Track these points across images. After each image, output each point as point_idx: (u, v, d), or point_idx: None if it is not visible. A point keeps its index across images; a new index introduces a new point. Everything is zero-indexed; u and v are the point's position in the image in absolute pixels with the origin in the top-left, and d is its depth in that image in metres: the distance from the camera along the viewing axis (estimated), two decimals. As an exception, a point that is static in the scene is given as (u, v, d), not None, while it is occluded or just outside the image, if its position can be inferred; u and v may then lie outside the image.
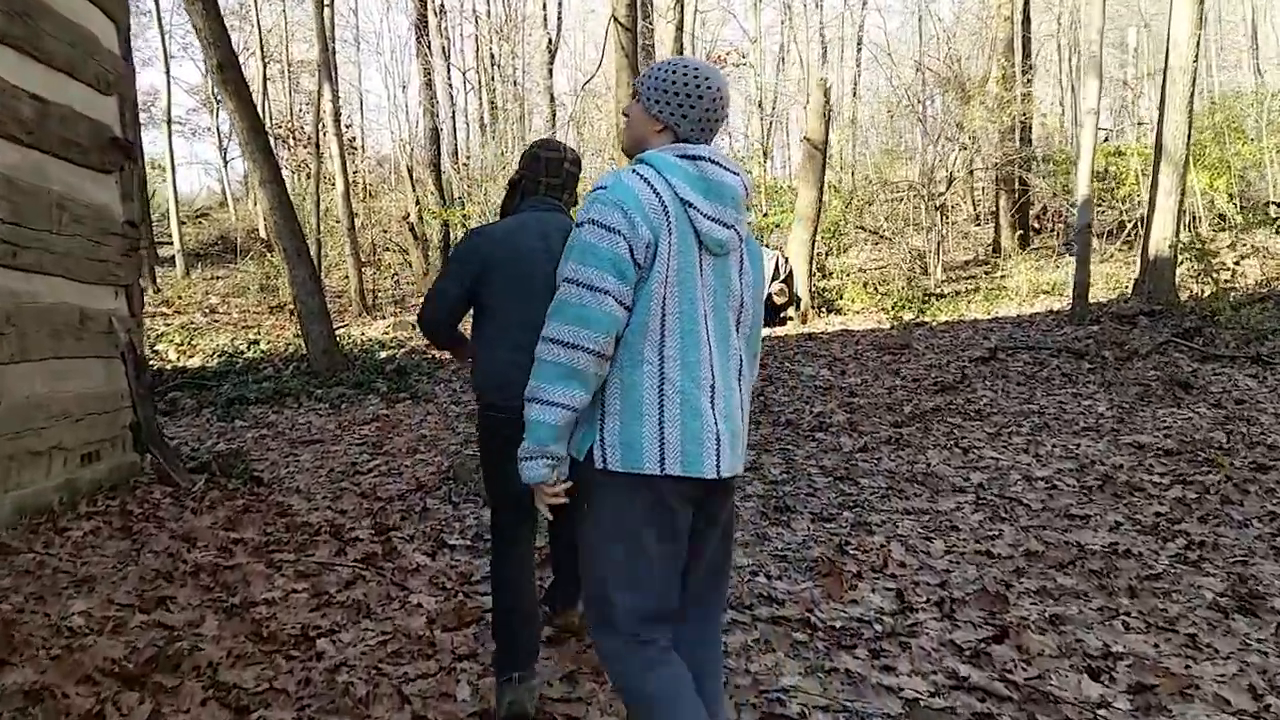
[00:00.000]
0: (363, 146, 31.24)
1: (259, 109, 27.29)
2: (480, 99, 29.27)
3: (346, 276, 16.19)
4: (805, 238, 11.60)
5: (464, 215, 17.83)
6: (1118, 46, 26.17)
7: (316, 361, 9.34)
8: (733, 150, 26.90)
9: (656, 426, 1.81)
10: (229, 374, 9.67)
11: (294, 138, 20.10)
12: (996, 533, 4.09)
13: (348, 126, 19.10)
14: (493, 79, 29.45)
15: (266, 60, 27.77)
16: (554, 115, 25.23)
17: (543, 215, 2.76)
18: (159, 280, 16.97)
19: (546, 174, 2.82)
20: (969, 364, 8.32)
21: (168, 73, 18.81)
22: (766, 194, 22.45)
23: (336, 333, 12.41)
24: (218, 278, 18.55)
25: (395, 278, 19.31)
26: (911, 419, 6.34)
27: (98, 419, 4.69)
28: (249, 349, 10.54)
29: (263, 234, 23.86)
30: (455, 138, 25.67)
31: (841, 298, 12.58)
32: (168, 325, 12.57)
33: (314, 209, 17.11)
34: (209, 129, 30.55)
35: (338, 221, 16.77)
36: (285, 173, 27.21)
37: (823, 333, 10.97)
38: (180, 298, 15.75)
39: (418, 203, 17.45)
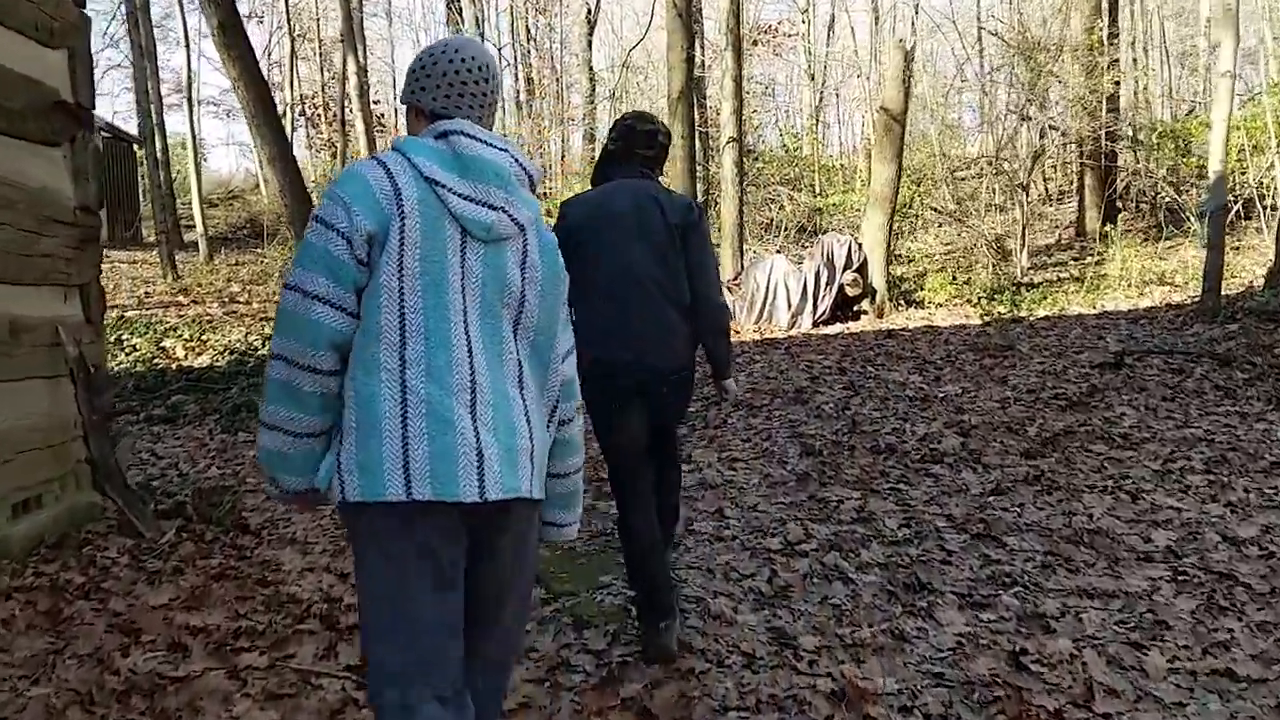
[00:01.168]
0: (395, 125, 30.49)
1: (289, 88, 26.67)
2: (515, 76, 28.33)
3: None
4: (881, 220, 10.42)
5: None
6: (1176, 18, 24.46)
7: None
8: (785, 125, 25.66)
9: (399, 444, 1.57)
10: (239, 375, 8.78)
11: (320, 114, 19.24)
12: (1226, 634, 3.00)
13: (376, 103, 18.20)
14: (528, 54, 28.47)
15: (295, 38, 27.04)
16: (593, 90, 24.19)
17: (636, 182, 2.93)
18: (179, 267, 16.25)
19: (642, 145, 2.97)
20: (1092, 371, 7.15)
21: (186, 45, 18.01)
22: (821, 172, 21.22)
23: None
24: (241, 264, 17.78)
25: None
26: (1044, 446, 5.23)
27: (36, 456, 3.77)
28: (263, 346, 9.67)
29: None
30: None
31: (921, 288, 11.39)
32: (180, 317, 11.77)
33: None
34: (242, 109, 29.82)
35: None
36: (312, 153, 26.63)
37: (903, 329, 9.82)
38: (199, 285, 14.98)
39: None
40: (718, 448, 5.78)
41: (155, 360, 9.18)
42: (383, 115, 20.74)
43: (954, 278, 12.06)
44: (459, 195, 1.65)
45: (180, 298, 13.65)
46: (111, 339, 9.56)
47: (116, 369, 8.87)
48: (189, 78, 18.88)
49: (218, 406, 7.85)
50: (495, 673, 1.81)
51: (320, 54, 28.91)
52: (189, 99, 18.80)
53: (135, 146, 19.58)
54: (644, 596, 2.86)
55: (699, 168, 16.73)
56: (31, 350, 3.74)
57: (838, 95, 32.73)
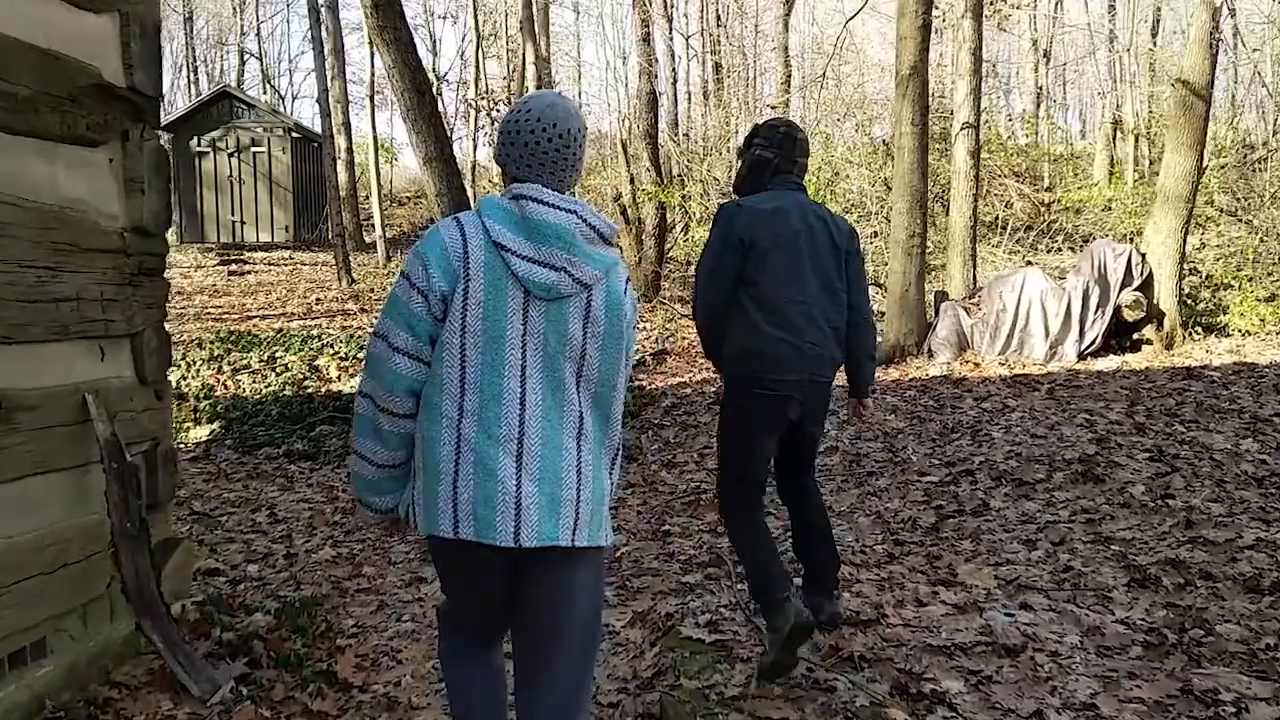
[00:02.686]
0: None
1: (473, 85, 26.62)
2: (703, 65, 27.08)
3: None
4: (1173, 225, 8.24)
5: (683, 194, 15.60)
6: None
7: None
8: (1005, 110, 22.99)
9: (451, 487, 1.79)
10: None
11: (492, 103, 18.68)
12: None
13: (558, 89, 17.39)
14: (717, 41, 27.13)
15: (482, 35, 26.97)
16: (788, 78, 22.51)
17: (799, 197, 3.01)
18: (356, 270, 16.04)
19: (802, 154, 3.04)
20: None
21: (370, 40, 17.87)
22: (1057, 164, 18.63)
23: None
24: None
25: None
26: None
27: (44, 585, 2.72)
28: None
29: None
30: (675, 107, 23.61)
31: (1221, 309, 9.09)
32: (344, 329, 11.22)
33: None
34: (396, 101, 30.22)
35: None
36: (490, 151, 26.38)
37: (1205, 367, 7.68)
38: (371, 290, 14.63)
39: (631, 181, 15.42)
40: (986, 555, 4.16)
41: (305, 382, 8.48)
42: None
43: (1272, 296, 9.59)
44: (522, 257, 1.82)
45: (350, 304, 13.25)
46: (265, 357, 8.99)
47: (264, 392, 8.23)
48: (372, 74, 18.79)
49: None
50: (560, 711, 1.93)
51: (508, 50, 28.79)
52: (370, 95, 18.71)
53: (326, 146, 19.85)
54: (763, 579, 2.95)
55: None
56: (37, 435, 2.70)
57: (1064, 75, 29.38)
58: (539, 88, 13.33)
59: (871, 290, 6.28)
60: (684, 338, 10.93)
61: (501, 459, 1.78)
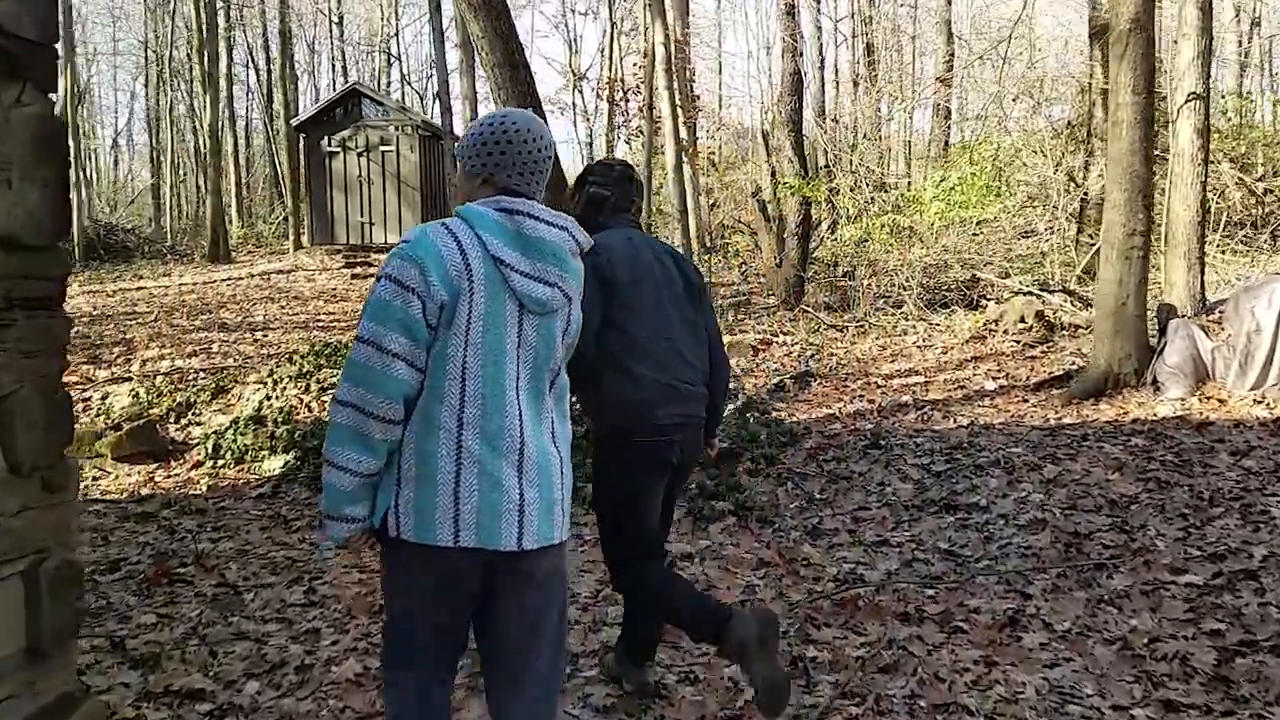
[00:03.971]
0: (719, 116, 28.70)
1: (609, 73, 25.71)
2: (852, 50, 25.28)
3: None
4: None
5: (830, 188, 14.05)
6: None
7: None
8: (1215, 79, 20.15)
9: (451, 497, 1.83)
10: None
11: (628, 98, 17.59)
12: None
13: (694, 80, 16.13)
14: (869, 20, 25.25)
15: (620, 26, 26.08)
16: (951, 57, 20.49)
17: (643, 235, 2.99)
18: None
19: (639, 194, 3.00)
20: None
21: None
22: (1269, 147, 15.94)
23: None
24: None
25: (742, 267, 16.09)
26: None
27: None
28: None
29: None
30: (823, 94, 21.94)
31: None
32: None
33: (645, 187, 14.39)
34: (570, 105, 29.77)
35: (663, 201, 13.85)
36: (619, 140, 25.48)
37: None
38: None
39: (773, 174, 14.02)
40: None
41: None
42: (698, 97, 18.69)
43: None
44: (520, 273, 1.89)
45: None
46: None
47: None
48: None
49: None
50: (543, 702, 2.05)
51: (646, 42, 27.81)
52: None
53: (456, 144, 19.31)
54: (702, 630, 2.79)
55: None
56: None
57: (1272, 46, 25.88)
58: (669, 72, 12.13)
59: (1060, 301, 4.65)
60: (831, 354, 9.46)
61: (505, 469, 1.87)
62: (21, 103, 2.13)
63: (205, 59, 19.72)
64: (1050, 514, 4.81)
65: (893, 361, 9.11)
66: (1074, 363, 8.03)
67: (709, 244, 17.91)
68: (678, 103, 12.36)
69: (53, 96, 2.24)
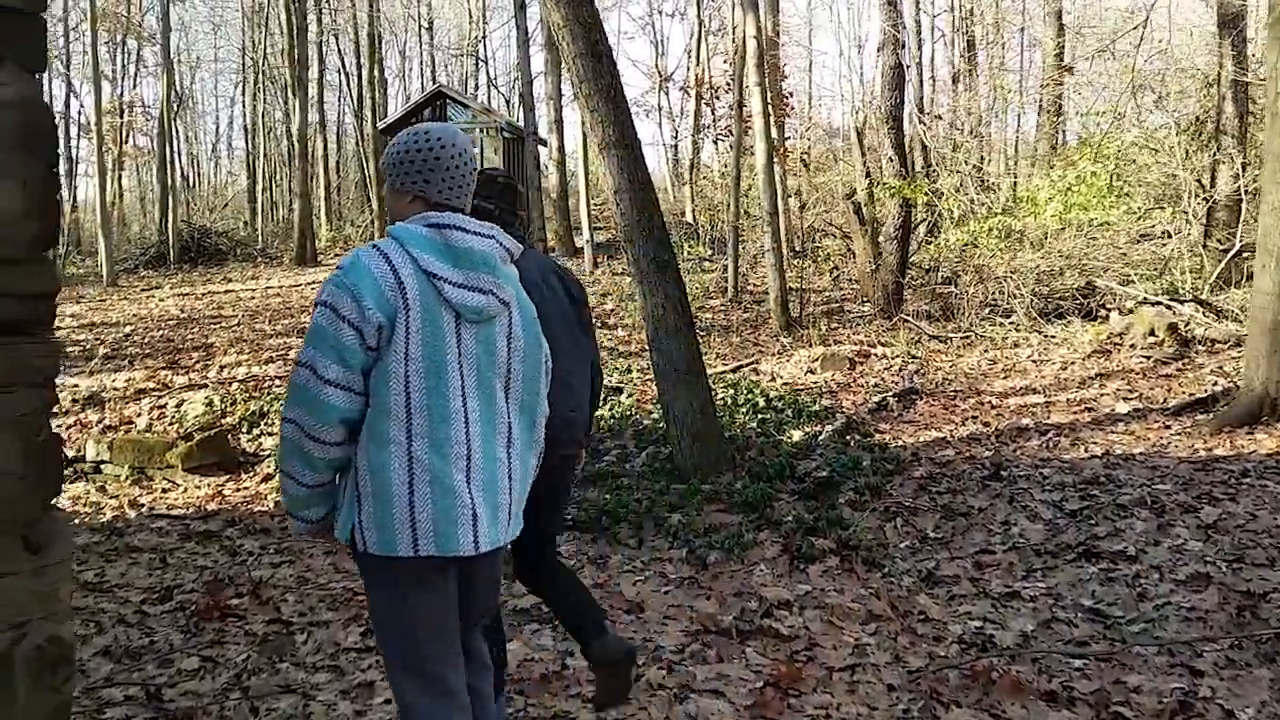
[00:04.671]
0: (809, 115, 27.90)
1: (696, 72, 25.21)
2: (951, 46, 24.23)
3: (768, 277, 12.61)
4: None
5: (932, 188, 13.27)
6: None
7: (683, 451, 5.70)
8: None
9: (407, 508, 1.92)
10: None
11: (717, 96, 17.04)
12: None
13: (785, 77, 15.51)
14: (970, 14, 24.18)
15: (707, 25, 25.57)
16: (1061, 50, 19.37)
17: (530, 251, 2.88)
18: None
19: (522, 206, 2.92)
20: None
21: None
22: None
23: (743, 371, 8.81)
24: (628, 272, 16.20)
25: (834, 273, 15.40)
26: None
27: None
28: (604, 402, 7.33)
29: (688, 218, 21.61)
30: (921, 91, 21.04)
31: None
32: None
33: (732, 189, 13.81)
34: (656, 106, 29.38)
35: (760, 204, 13.26)
36: (705, 138, 24.95)
37: None
38: (571, 302, 13.45)
39: (868, 174, 13.32)
40: None
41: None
42: (790, 94, 18.02)
43: None
44: (453, 284, 1.96)
45: (544, 318, 12.08)
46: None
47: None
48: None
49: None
50: (484, 637, 2.33)
51: (734, 41, 27.20)
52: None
53: (540, 147, 19.12)
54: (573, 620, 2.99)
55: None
56: None
57: None
58: (759, 67, 11.57)
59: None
60: (936, 368, 8.77)
61: (455, 475, 1.96)
62: (-4, 82, 1.75)
63: (295, 64, 19.95)
64: (1214, 567, 4.12)
65: (1005, 377, 8.38)
66: (1217, 384, 7.19)
67: (798, 248, 17.27)
68: (768, 100, 11.79)
69: (39, 78, 1.86)
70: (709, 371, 6.72)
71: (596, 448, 6.51)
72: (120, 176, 33.51)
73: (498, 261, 2.06)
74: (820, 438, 6.37)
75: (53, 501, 1.91)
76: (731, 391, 7.38)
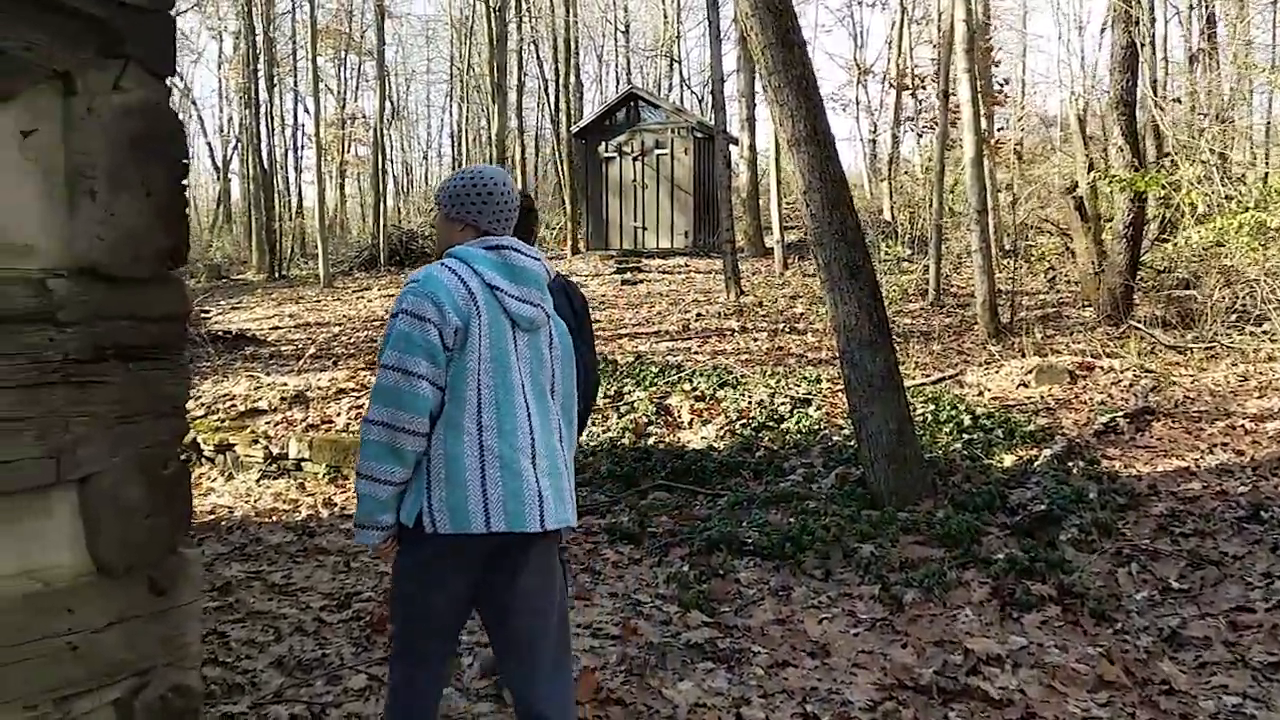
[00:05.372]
0: (1021, 103, 26.02)
1: (898, 64, 24.06)
2: (1186, 25, 21.84)
3: (974, 279, 11.71)
4: None
5: (1170, 180, 11.87)
6: None
7: (876, 474, 5.22)
8: None
9: (480, 490, 2.15)
10: (740, 467, 6.12)
11: (913, 81, 16.08)
12: None
13: (996, 64, 14.41)
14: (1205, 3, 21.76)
15: (910, 14, 24.37)
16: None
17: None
18: (746, 280, 14.64)
19: (536, 226, 3.24)
20: None
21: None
22: None
23: (945, 384, 8.13)
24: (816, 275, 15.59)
25: (1050, 275, 14.17)
26: None
27: None
28: (790, 414, 6.92)
29: (886, 216, 20.64)
30: (1153, 73, 19.09)
31: None
32: (717, 353, 9.69)
33: (935, 184, 12.95)
34: (854, 100, 28.48)
35: (966, 201, 12.35)
36: (904, 132, 23.67)
37: None
38: (760, 305, 13.06)
39: (1091, 166, 12.11)
40: None
41: (649, 428, 7.00)
42: (1004, 82, 16.74)
43: None
44: (512, 296, 2.25)
45: (730, 321, 11.76)
46: (611, 391, 7.68)
47: (600, 438, 6.88)
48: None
49: (692, 528, 5.24)
50: (555, 676, 2.38)
51: (938, 29, 25.81)
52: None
53: (731, 146, 18.81)
54: None
55: None
56: None
57: None
58: (969, 53, 10.73)
59: None
60: (1176, 384, 7.74)
61: (522, 461, 2.20)
62: (120, 88, 1.62)
63: (495, 71, 20.64)
64: None
65: (1261, 397, 7.27)
66: None
67: (1008, 247, 16.03)
68: (978, 88, 10.91)
69: (168, 82, 1.73)
70: (906, 383, 6.18)
71: (781, 465, 6.12)
72: (343, 184, 36.11)
73: (543, 281, 2.36)
74: (1036, 463, 5.69)
75: (179, 538, 1.78)
76: (932, 407, 6.77)
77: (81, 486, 1.62)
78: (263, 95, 26.21)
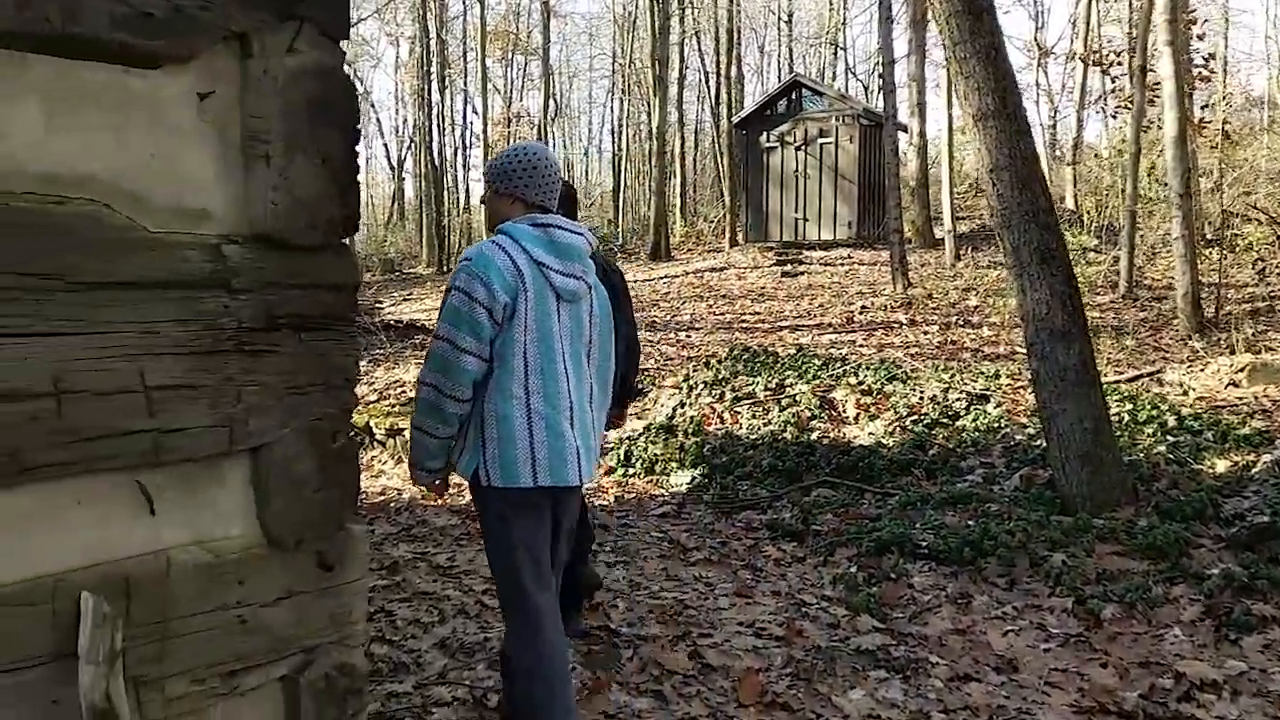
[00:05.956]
0: (1225, 82, 23.81)
1: (1085, 40, 22.48)
2: None
3: (1173, 270, 10.75)
4: None
5: None
6: None
7: (1067, 476, 4.80)
8: None
9: (528, 449, 2.38)
10: (911, 465, 5.78)
11: (1104, 58, 14.94)
12: None
13: (1200, 37, 13.20)
14: None
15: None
16: None
17: None
18: (915, 272, 14.03)
19: (577, 209, 3.62)
20: None
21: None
22: None
23: (1143, 382, 7.46)
24: (995, 264, 14.75)
25: (1260, 266, 12.86)
26: None
27: None
28: (967, 411, 6.49)
29: (1069, 203, 19.34)
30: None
31: None
32: (884, 346, 9.29)
33: (1130, 167, 11.97)
34: (1034, 84, 26.91)
35: (1164, 185, 11.36)
36: (1093, 112, 21.94)
37: None
38: (930, 298, 12.45)
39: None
40: None
41: (812, 423, 6.74)
42: (1210, 56, 15.33)
43: None
44: (556, 271, 2.43)
45: (898, 314, 11.26)
46: (772, 384, 7.46)
47: (760, 431, 6.69)
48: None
49: (860, 527, 4.98)
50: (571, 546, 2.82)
51: (1131, 4, 23.95)
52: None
53: (900, 133, 18.10)
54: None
55: None
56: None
57: None
58: (1172, 23, 9.81)
59: None
60: None
61: (564, 423, 2.42)
62: (295, 50, 1.59)
63: (656, 64, 20.68)
64: None
65: None
66: None
67: (1209, 236, 14.66)
68: (1180, 63, 9.99)
69: (343, 45, 1.69)
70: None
71: (957, 465, 5.75)
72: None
73: (585, 253, 2.51)
74: (1254, 470, 5.09)
75: (347, 514, 1.74)
76: (1129, 406, 6.20)
77: (253, 456, 1.60)
78: (434, 96, 27.31)
